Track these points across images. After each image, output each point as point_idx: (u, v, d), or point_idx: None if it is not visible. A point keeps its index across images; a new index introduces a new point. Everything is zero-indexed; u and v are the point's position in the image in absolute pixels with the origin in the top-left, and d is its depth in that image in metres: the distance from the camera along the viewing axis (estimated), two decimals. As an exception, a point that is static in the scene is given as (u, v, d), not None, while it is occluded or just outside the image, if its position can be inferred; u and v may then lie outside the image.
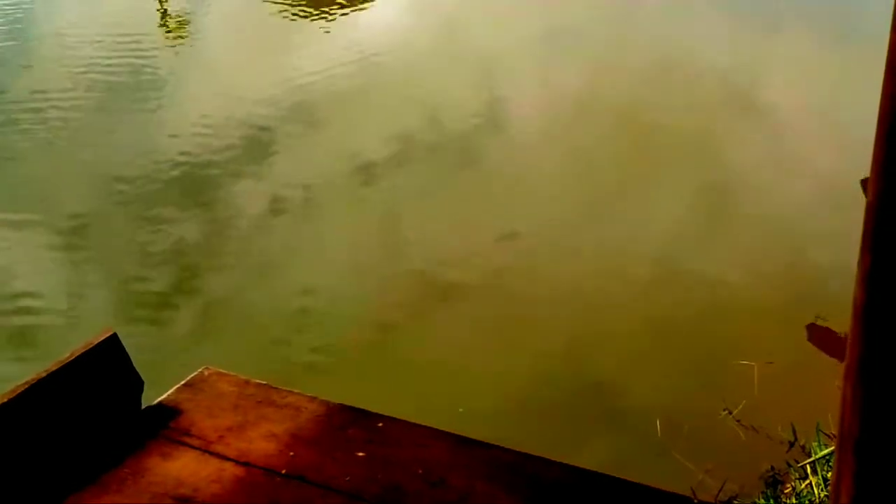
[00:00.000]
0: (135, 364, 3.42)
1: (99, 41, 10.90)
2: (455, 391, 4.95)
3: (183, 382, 3.58)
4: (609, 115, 8.64)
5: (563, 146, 8.18)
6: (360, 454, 3.13)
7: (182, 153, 8.15)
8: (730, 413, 4.72)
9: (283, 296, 6.12)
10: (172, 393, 3.53)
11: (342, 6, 12.08)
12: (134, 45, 10.77)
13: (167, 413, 3.40)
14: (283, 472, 3.09)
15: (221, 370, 3.62)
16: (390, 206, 7.26)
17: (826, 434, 4.37)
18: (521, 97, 9.30)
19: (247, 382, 3.55)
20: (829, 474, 4.00)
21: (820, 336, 5.45)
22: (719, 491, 4.13)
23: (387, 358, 5.39)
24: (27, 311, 6.10)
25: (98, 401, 3.29)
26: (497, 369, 5.26)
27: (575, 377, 5.25)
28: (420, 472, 3.04)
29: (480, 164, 7.99)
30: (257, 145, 8.30)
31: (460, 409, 4.80)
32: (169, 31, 11.41)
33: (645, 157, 7.87)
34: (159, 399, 3.50)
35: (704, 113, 8.71)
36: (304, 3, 12.14)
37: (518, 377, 5.23)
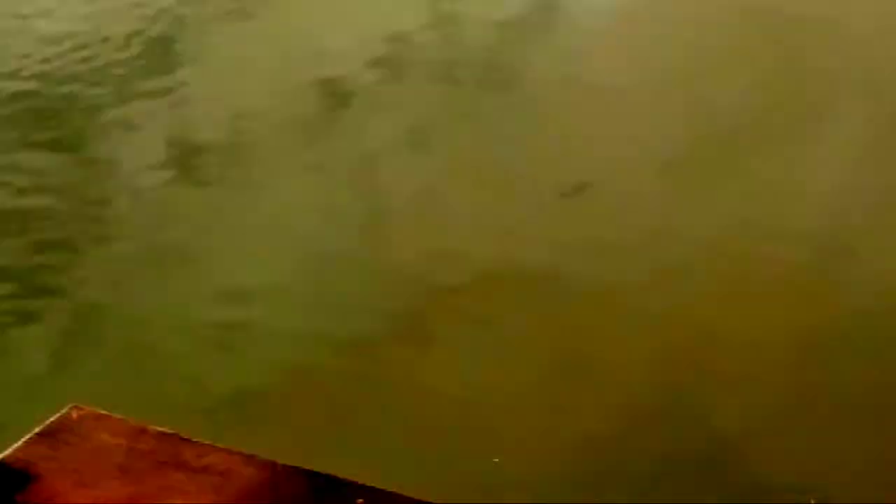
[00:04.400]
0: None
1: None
2: (477, 446, 3.68)
3: (37, 430, 2.59)
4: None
5: (655, 55, 6.56)
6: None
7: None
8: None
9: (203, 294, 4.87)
10: (20, 447, 2.54)
11: None
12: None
13: (11, 479, 2.44)
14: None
15: (99, 410, 2.64)
16: (376, 149, 5.86)
17: None
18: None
19: (142, 431, 2.57)
20: None
21: None
22: None
23: (369, 392, 4.06)
24: None
25: None
26: (546, 413, 3.93)
27: (672, 429, 3.92)
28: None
29: (522, 84, 6.38)
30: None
31: (495, 460, 3.55)
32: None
33: (791, 74, 6.16)
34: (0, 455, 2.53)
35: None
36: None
37: (578, 425, 3.90)
